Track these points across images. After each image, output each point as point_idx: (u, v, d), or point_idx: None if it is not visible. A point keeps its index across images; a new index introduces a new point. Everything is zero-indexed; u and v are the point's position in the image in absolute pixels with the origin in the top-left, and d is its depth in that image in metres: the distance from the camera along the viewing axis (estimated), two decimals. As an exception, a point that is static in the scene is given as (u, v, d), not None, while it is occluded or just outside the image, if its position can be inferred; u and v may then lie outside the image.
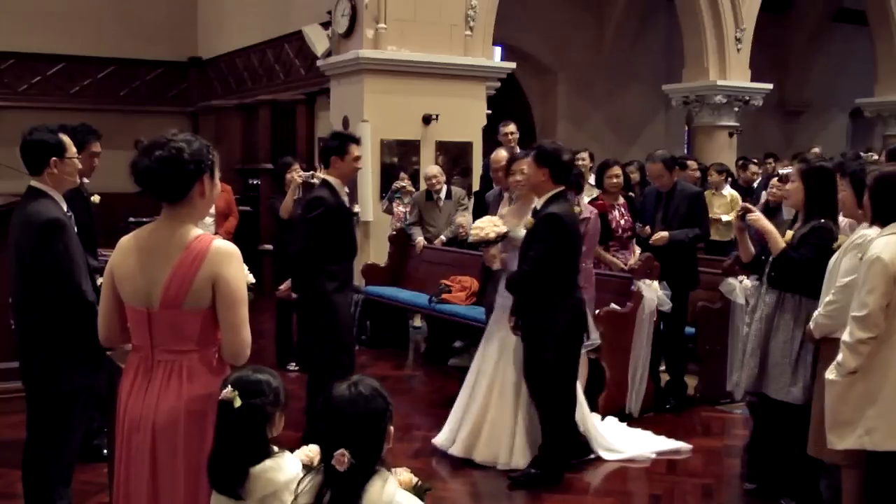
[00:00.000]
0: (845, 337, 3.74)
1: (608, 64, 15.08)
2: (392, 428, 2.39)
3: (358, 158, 5.39)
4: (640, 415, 6.23)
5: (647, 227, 6.49)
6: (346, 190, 5.45)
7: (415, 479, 2.55)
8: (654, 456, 5.46)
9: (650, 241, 6.43)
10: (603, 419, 5.92)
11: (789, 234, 4.62)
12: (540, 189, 5.02)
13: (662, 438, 5.70)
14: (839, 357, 3.76)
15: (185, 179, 2.73)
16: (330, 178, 5.32)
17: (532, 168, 5.03)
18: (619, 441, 5.55)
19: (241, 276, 2.77)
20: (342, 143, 5.34)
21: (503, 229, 5.25)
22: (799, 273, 4.42)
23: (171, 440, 2.72)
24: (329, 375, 4.73)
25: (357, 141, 5.44)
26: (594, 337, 5.77)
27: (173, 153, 2.70)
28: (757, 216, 4.72)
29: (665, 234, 6.35)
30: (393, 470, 2.47)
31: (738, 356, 5.90)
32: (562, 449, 5.08)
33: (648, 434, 5.77)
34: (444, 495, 4.94)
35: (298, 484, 2.40)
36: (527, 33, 14.04)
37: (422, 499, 2.50)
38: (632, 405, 6.25)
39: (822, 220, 4.43)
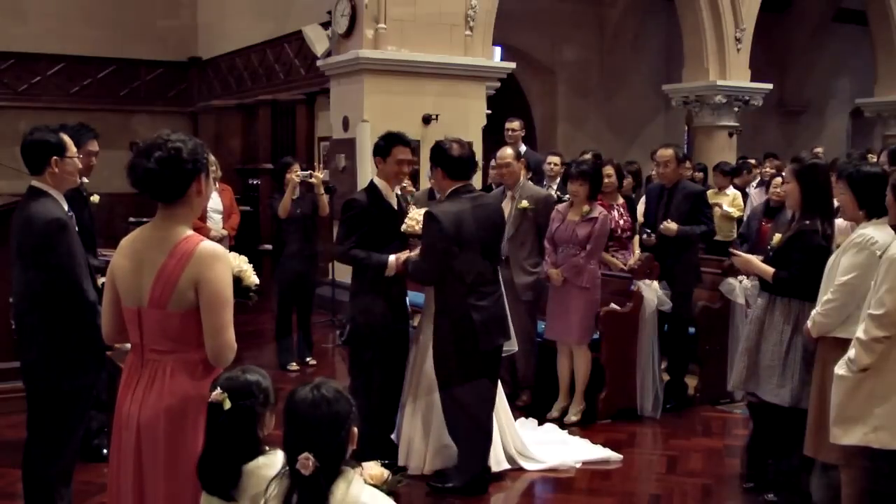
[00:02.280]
0: (860, 334, 3.75)
1: (608, 64, 15.08)
2: (356, 429, 2.39)
3: (402, 162, 5.07)
4: (658, 415, 6.26)
5: (653, 237, 6.48)
6: (398, 191, 5.25)
7: (386, 473, 2.56)
8: (578, 465, 5.30)
9: (659, 229, 6.33)
10: (541, 424, 5.89)
11: (777, 237, 4.64)
12: (440, 187, 4.93)
13: (597, 448, 5.56)
14: (851, 353, 3.76)
15: (185, 179, 2.77)
16: (375, 180, 5.11)
17: (431, 168, 4.94)
18: (540, 450, 5.35)
19: (225, 278, 2.77)
20: (388, 144, 5.05)
21: None
22: (792, 285, 4.49)
23: (152, 438, 2.76)
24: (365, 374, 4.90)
25: (407, 143, 5.10)
26: (511, 345, 5.34)
27: (172, 153, 2.73)
28: (742, 260, 4.81)
29: (674, 225, 6.28)
30: (363, 465, 2.48)
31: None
32: (475, 458, 4.86)
33: (585, 442, 5.65)
34: (443, 494, 4.93)
35: (267, 488, 2.40)
36: (527, 33, 14.03)
37: (395, 492, 2.51)
38: (644, 406, 6.25)
39: (808, 222, 4.47)
